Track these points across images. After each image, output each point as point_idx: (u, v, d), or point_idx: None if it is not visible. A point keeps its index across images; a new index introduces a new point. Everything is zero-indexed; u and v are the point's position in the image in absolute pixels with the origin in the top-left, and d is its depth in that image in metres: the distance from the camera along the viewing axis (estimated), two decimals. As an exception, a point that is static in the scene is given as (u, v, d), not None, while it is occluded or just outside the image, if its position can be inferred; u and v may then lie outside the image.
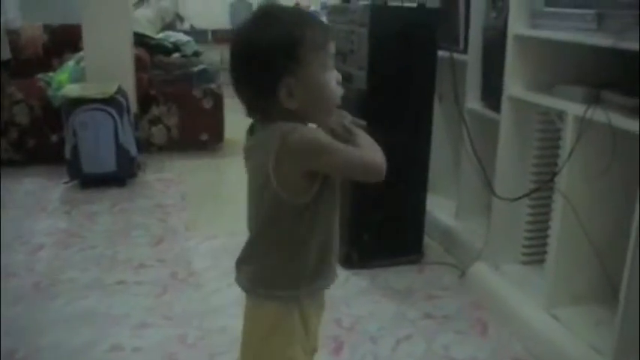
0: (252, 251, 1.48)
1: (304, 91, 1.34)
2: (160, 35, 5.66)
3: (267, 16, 1.38)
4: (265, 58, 1.33)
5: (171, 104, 5.06)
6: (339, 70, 2.50)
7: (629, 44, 1.96)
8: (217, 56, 6.64)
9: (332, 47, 1.40)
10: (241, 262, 1.50)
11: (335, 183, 1.43)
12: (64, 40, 5.30)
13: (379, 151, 1.41)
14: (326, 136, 1.34)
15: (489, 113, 2.94)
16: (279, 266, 1.43)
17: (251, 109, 1.41)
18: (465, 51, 3.17)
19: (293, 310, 1.46)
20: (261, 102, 1.37)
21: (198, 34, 6.76)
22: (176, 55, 5.42)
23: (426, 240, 3.27)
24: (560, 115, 2.38)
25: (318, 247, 1.44)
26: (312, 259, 1.44)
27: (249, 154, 1.42)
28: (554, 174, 2.41)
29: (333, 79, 1.40)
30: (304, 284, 1.45)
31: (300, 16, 1.39)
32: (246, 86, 1.38)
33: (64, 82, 4.54)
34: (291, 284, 1.44)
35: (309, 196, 1.36)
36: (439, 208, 3.45)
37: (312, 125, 1.39)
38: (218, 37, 7.59)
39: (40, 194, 4.17)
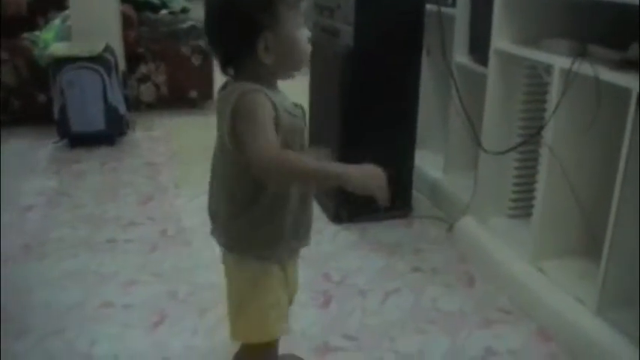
0: (225, 208, 1.52)
1: (280, 45, 1.40)
2: (147, -8, 5.58)
3: None
4: (246, 14, 1.38)
5: (159, 62, 5.02)
6: (325, 25, 2.47)
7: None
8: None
9: (304, 4, 1.46)
10: (216, 217, 1.57)
11: (297, 145, 1.47)
12: (49, -2, 5.23)
13: (299, 172, 1.32)
14: (265, 115, 1.35)
15: (477, 67, 2.93)
16: (253, 230, 1.49)
17: (226, 65, 1.45)
18: (453, 4, 3.14)
19: (271, 264, 1.54)
20: (239, 57, 1.42)
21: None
22: (164, 11, 5.37)
23: (415, 194, 3.29)
24: (548, 68, 2.38)
25: (289, 209, 1.49)
26: (286, 223, 1.50)
27: (218, 109, 1.45)
28: (541, 127, 2.41)
29: (304, 36, 1.47)
30: (281, 246, 1.53)
31: None
32: (224, 42, 1.43)
33: (51, 41, 4.49)
34: (268, 246, 1.51)
35: None
36: (427, 162, 3.46)
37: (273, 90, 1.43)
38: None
39: (28, 154, 4.15)
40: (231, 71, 1.46)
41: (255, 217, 1.47)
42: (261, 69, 1.42)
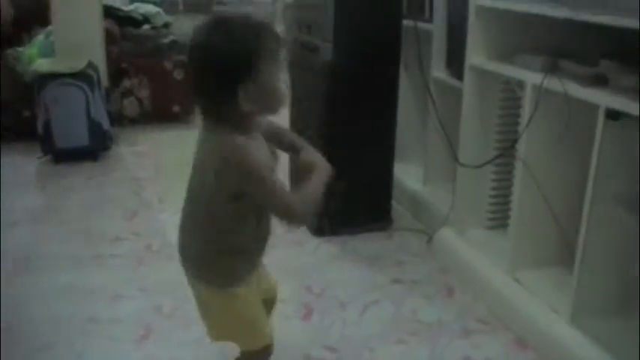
0: (193, 242, 1.66)
1: (259, 95, 1.48)
2: (130, 7, 5.62)
3: (225, 25, 1.50)
4: (225, 68, 1.46)
5: (142, 76, 5.06)
6: (304, 41, 2.47)
7: (585, 16, 2.03)
8: (189, 26, 6.60)
9: (282, 53, 1.55)
10: (183, 251, 1.70)
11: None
12: (33, 15, 5.22)
13: (311, 204, 1.57)
14: (265, 164, 1.51)
15: (454, 82, 2.99)
16: (216, 261, 1.64)
17: (207, 113, 1.54)
18: (430, 20, 3.21)
19: (239, 288, 1.67)
20: (219, 106, 1.50)
21: (169, 4, 6.71)
22: (146, 26, 5.41)
23: (395, 206, 3.35)
24: (520, 84, 2.45)
25: (251, 236, 1.65)
26: (250, 248, 1.67)
27: (198, 159, 1.57)
28: (515, 141, 2.48)
29: (281, 81, 1.55)
30: (247, 269, 1.69)
31: (256, 25, 1.50)
32: (204, 93, 1.52)
33: (34, 56, 4.53)
34: (230, 274, 1.65)
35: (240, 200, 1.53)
36: (407, 174, 3.52)
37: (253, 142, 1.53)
38: (189, 6, 7.53)
39: (13, 170, 4.17)
40: (211, 116, 1.53)
41: (222, 252, 1.62)
42: (239, 115, 1.50)
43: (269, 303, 1.85)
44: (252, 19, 1.54)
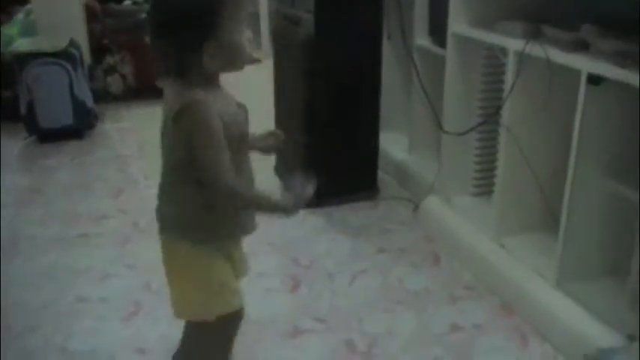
0: (167, 197, 1.62)
1: (222, 52, 1.45)
2: (110, -18, 5.57)
3: None
4: (190, 24, 1.42)
5: (125, 53, 5.02)
6: (286, 13, 2.44)
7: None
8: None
9: (247, 10, 1.50)
10: (159, 210, 1.65)
11: (235, 143, 1.53)
12: (12, -7, 5.20)
13: (240, 201, 1.56)
14: (217, 127, 1.45)
15: (437, 49, 2.98)
16: (196, 215, 1.58)
17: (168, 70, 1.49)
18: (411, -12, 3.19)
19: (212, 249, 1.62)
20: (183, 63, 1.46)
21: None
22: (127, 2, 5.37)
23: (381, 176, 3.35)
24: (503, 50, 2.44)
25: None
26: (229, 214, 1.60)
27: (164, 112, 1.52)
28: (499, 108, 2.47)
29: (246, 39, 1.51)
30: (223, 234, 1.63)
31: None
32: (167, 49, 1.47)
33: (15, 36, 4.49)
34: (210, 233, 1.60)
35: None
36: (393, 143, 3.52)
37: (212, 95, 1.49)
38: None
39: (-3, 152, 4.16)
40: (173, 74, 1.50)
41: (197, 207, 1.56)
42: (202, 72, 1.47)
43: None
44: None
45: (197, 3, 1.42)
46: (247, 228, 1.68)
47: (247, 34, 1.52)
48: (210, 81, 1.50)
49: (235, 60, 1.51)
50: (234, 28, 1.46)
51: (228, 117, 1.49)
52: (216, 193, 1.51)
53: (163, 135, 1.54)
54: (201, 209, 1.57)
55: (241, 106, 1.61)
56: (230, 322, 1.70)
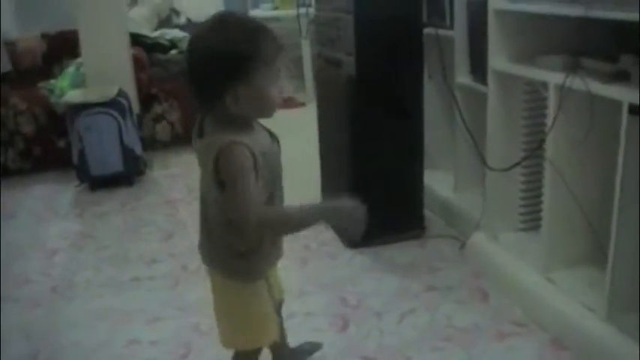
0: (209, 243, 1.69)
1: (249, 99, 1.49)
2: (156, 33, 5.73)
3: (224, 25, 1.52)
4: (217, 66, 1.47)
5: (172, 100, 5.14)
6: (328, 56, 2.45)
7: (598, 13, 2.03)
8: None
9: (281, 61, 1.54)
10: (201, 248, 1.74)
11: (270, 184, 1.59)
12: (63, 47, 5.37)
13: (279, 226, 1.59)
14: (246, 168, 1.47)
15: (479, 86, 3.00)
16: (233, 260, 1.64)
17: (202, 107, 1.57)
18: (451, 26, 3.22)
19: (257, 282, 1.70)
20: (210, 103, 1.52)
21: (195, 27, 6.82)
22: (173, 52, 5.49)
23: (427, 214, 3.35)
24: (544, 84, 2.45)
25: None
26: (264, 247, 1.66)
27: (199, 160, 1.59)
28: (542, 142, 2.48)
29: (277, 90, 1.54)
30: (261, 265, 1.69)
31: (255, 29, 1.51)
32: (198, 88, 1.53)
33: (66, 88, 4.63)
34: (250, 269, 1.67)
35: None
36: (438, 182, 3.53)
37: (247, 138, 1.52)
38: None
39: (50, 199, 4.27)
40: (209, 117, 1.56)
41: (234, 253, 1.63)
42: (233, 116, 1.51)
43: (277, 304, 1.89)
44: (253, 21, 1.55)
45: (227, 45, 1.46)
46: (280, 254, 1.76)
47: (280, 83, 1.55)
48: (244, 125, 1.55)
49: (261, 107, 1.54)
50: (263, 75, 1.49)
51: (264, 157, 1.52)
52: (249, 232, 1.51)
53: (202, 176, 1.60)
54: (241, 249, 1.61)
55: (274, 138, 1.65)
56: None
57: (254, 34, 1.49)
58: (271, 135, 1.65)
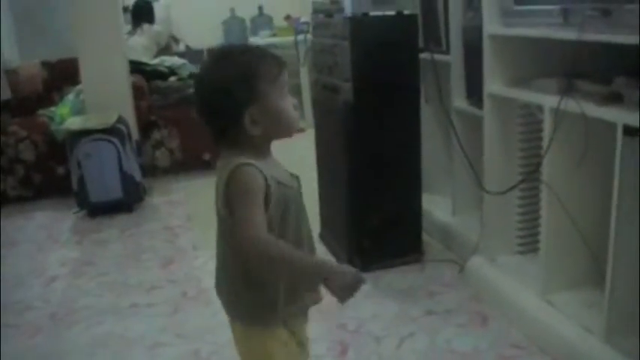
0: (223, 275, 1.62)
1: (265, 118, 1.49)
2: (156, 61, 5.76)
3: (224, 57, 1.54)
4: (229, 94, 1.47)
5: (171, 127, 5.16)
6: (326, 82, 2.45)
7: (591, 36, 2.05)
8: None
9: (285, 76, 1.54)
10: (218, 287, 1.65)
11: (292, 216, 1.54)
12: (63, 75, 5.41)
13: (279, 264, 1.43)
14: (256, 191, 1.44)
15: (475, 110, 3.02)
16: (248, 295, 1.55)
17: (218, 140, 1.54)
18: (447, 51, 3.25)
19: (278, 329, 1.57)
20: (229, 132, 1.51)
21: (194, 54, 6.85)
22: (172, 78, 5.52)
23: (426, 238, 3.36)
24: (540, 107, 2.47)
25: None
26: (278, 286, 1.54)
27: (216, 183, 1.54)
28: (538, 165, 2.49)
29: (290, 104, 1.54)
30: (280, 309, 1.55)
31: (253, 53, 1.53)
32: (213, 122, 1.53)
33: (66, 115, 4.66)
34: (266, 311, 1.55)
35: None
36: (436, 206, 3.54)
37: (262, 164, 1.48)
38: (214, 55, 7.69)
39: (50, 226, 4.28)
40: (224, 144, 1.54)
41: (248, 284, 1.53)
42: (251, 140, 1.49)
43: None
44: (253, 47, 1.57)
45: (235, 70, 1.48)
46: (316, 298, 1.63)
47: (291, 99, 1.55)
48: (261, 150, 1.53)
49: (280, 125, 1.53)
50: (273, 92, 1.50)
51: (277, 183, 1.49)
52: (248, 256, 1.42)
53: (217, 208, 1.54)
54: (251, 286, 1.53)
55: (294, 176, 1.61)
56: None
57: (256, 55, 1.52)
58: (291, 174, 1.62)
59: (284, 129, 1.55)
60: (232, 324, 1.64)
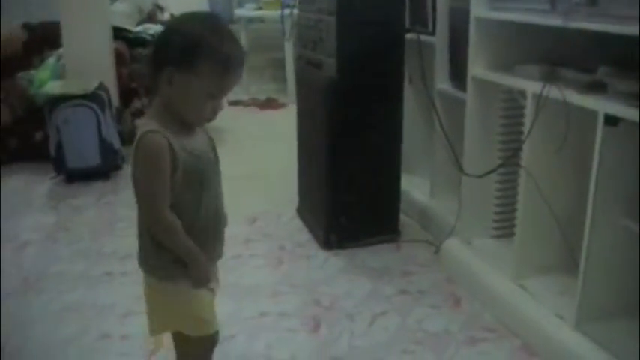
0: (141, 238, 1.71)
1: (178, 90, 1.51)
2: (139, 28, 5.69)
3: (197, 18, 1.57)
4: (167, 45, 1.51)
5: (152, 96, 5.11)
6: (310, 58, 2.39)
7: (577, 24, 2.05)
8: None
9: (227, 84, 1.55)
10: (139, 246, 1.74)
11: (197, 184, 1.59)
12: (44, 38, 5.30)
13: (172, 241, 1.62)
14: (161, 163, 1.50)
15: (458, 93, 3.02)
16: (155, 250, 1.66)
17: (150, 95, 1.63)
18: (432, 33, 3.24)
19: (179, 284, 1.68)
20: (154, 85, 1.54)
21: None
22: (155, 47, 5.46)
23: (403, 218, 3.37)
24: (522, 93, 2.47)
25: (193, 228, 1.63)
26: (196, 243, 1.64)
27: None
28: (518, 150, 2.50)
29: (206, 106, 1.55)
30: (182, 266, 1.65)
31: (220, 38, 1.52)
32: (149, 66, 1.55)
33: (46, 79, 4.60)
34: (169, 267, 1.67)
35: None
36: (415, 187, 3.55)
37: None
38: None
39: (26, 191, 4.25)
40: (151, 102, 1.59)
41: (156, 244, 1.64)
42: (169, 104, 1.53)
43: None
44: (228, 35, 1.55)
45: (182, 30, 1.51)
46: (218, 251, 1.76)
47: (216, 105, 1.56)
48: (174, 121, 1.54)
49: (186, 107, 1.54)
50: (201, 83, 1.50)
51: (191, 154, 1.54)
52: (153, 225, 1.59)
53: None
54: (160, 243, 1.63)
55: (211, 143, 1.67)
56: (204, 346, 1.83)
57: (220, 41, 1.51)
58: (210, 140, 1.67)
59: (186, 115, 1.56)
60: (144, 278, 1.75)
